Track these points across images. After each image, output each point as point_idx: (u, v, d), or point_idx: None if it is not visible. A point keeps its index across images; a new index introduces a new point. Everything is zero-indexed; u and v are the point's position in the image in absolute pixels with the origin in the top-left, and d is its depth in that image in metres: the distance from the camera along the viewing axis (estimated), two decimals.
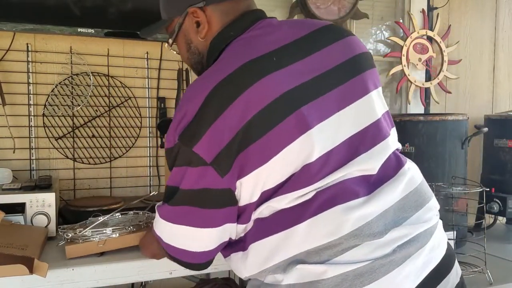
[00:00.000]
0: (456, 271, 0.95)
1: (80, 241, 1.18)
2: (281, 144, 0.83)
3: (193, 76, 2.01)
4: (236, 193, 0.87)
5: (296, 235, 0.85)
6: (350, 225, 0.84)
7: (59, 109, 1.81)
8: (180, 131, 0.85)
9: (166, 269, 1.23)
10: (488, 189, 2.06)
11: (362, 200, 0.86)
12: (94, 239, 1.17)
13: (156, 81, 1.97)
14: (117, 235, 1.19)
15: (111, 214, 1.33)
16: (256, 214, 0.89)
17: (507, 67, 2.74)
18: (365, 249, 0.84)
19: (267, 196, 0.87)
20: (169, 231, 0.93)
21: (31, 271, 1.02)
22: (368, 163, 0.89)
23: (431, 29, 2.47)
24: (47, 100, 1.79)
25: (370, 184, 0.88)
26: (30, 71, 1.77)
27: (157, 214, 0.96)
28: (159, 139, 1.97)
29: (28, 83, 1.77)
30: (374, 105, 0.93)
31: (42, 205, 1.41)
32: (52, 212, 1.42)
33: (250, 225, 0.91)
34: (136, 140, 1.94)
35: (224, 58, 0.91)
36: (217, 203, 0.87)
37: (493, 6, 2.68)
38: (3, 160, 1.72)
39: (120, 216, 1.36)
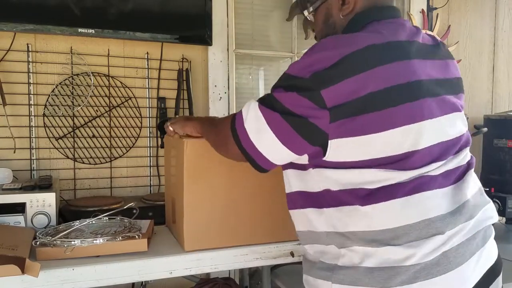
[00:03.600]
0: (500, 278, 1.03)
1: (51, 246, 1.19)
2: (402, 121, 0.89)
3: (193, 76, 2.02)
4: (335, 143, 0.90)
5: (394, 209, 0.90)
6: (445, 209, 0.92)
7: (59, 109, 1.82)
8: (315, 71, 0.88)
9: (166, 269, 1.24)
10: (488, 189, 2.06)
11: (447, 190, 0.95)
12: (62, 246, 1.18)
13: (156, 81, 1.97)
14: (85, 244, 1.20)
15: (89, 221, 1.35)
16: (362, 183, 0.92)
17: (507, 67, 2.74)
18: (443, 238, 0.91)
19: (374, 164, 0.91)
20: (256, 125, 0.96)
21: (23, 271, 1.02)
22: (451, 164, 0.98)
23: (431, 29, 2.47)
24: (47, 100, 1.80)
25: (450, 180, 0.98)
26: (31, 71, 1.77)
27: (254, 107, 0.97)
28: (159, 139, 1.97)
29: (29, 83, 1.77)
30: (462, 121, 1.05)
31: (43, 205, 1.42)
32: (53, 212, 1.43)
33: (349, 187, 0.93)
34: (136, 140, 1.94)
35: (374, 30, 0.96)
36: (312, 139, 0.92)
37: (493, 6, 2.69)
38: (4, 160, 1.73)
39: (106, 221, 1.38)
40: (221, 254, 1.29)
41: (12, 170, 1.62)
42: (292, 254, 1.37)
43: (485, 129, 2.17)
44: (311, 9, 1.13)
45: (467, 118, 2.15)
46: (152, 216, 1.59)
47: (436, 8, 2.48)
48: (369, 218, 0.91)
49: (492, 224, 1.05)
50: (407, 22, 1.04)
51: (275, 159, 0.98)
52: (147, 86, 1.96)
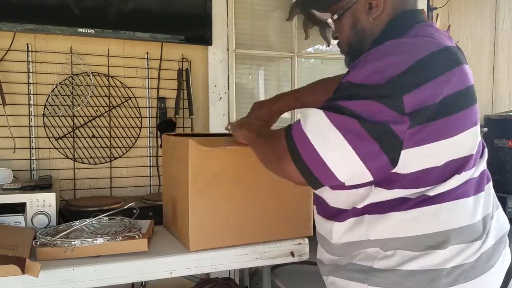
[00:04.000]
0: None
1: (51, 246, 1.19)
2: (468, 125, 0.91)
3: (193, 76, 2.01)
4: (407, 153, 0.86)
5: (444, 212, 0.91)
6: (481, 213, 0.95)
7: (59, 109, 1.82)
8: (391, 76, 0.84)
9: (166, 269, 1.24)
10: None
11: (481, 195, 0.97)
12: (62, 246, 1.18)
13: (156, 81, 1.97)
14: (86, 244, 1.20)
15: (89, 221, 1.35)
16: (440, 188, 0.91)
17: (507, 67, 2.74)
18: (481, 242, 0.93)
19: (438, 172, 0.90)
20: (323, 135, 0.86)
21: (23, 271, 1.02)
22: (479, 170, 0.99)
23: None
24: (47, 100, 1.80)
25: (482, 185, 1.00)
26: (31, 71, 1.77)
27: (316, 114, 0.88)
28: (159, 139, 1.97)
29: (29, 83, 1.77)
30: None
31: (43, 205, 1.41)
32: (53, 212, 1.43)
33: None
34: (136, 140, 1.94)
35: (426, 35, 0.94)
36: (387, 148, 0.85)
37: (493, 6, 2.68)
38: (4, 160, 1.73)
39: (106, 220, 1.38)
40: (221, 254, 1.29)
41: (12, 170, 1.62)
42: (292, 254, 1.36)
43: (485, 129, 2.16)
44: (335, 16, 1.07)
45: None
46: (152, 216, 1.58)
47: (436, 8, 2.48)
48: (418, 222, 0.90)
49: None
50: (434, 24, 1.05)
51: (342, 171, 0.87)
52: (147, 86, 1.95)
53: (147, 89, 1.95)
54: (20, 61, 1.76)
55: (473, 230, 0.92)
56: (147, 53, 1.95)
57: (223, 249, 1.30)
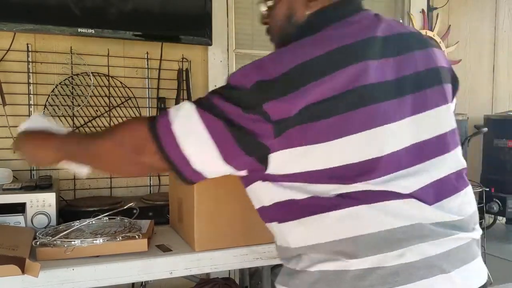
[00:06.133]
0: None
1: (51, 246, 1.19)
2: (347, 131, 0.83)
3: (193, 76, 2.01)
4: (273, 156, 0.85)
5: (356, 216, 0.84)
6: (418, 218, 0.85)
7: (59, 109, 1.81)
8: (255, 82, 0.84)
9: (166, 269, 1.24)
10: (488, 189, 2.06)
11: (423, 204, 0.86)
12: (62, 246, 1.19)
13: (156, 81, 1.97)
14: (85, 244, 1.20)
15: (89, 221, 1.35)
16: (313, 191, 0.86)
17: (507, 67, 2.74)
18: (404, 250, 0.84)
19: (331, 175, 0.84)
20: (189, 128, 0.86)
21: (23, 271, 1.03)
22: (434, 173, 0.89)
23: (431, 29, 2.47)
24: (47, 100, 1.80)
25: (429, 195, 0.89)
26: (31, 71, 1.77)
27: (187, 107, 0.87)
28: None
29: (29, 83, 1.77)
30: (441, 119, 0.94)
31: (43, 205, 1.42)
32: (53, 212, 1.43)
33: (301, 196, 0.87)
34: None
35: (322, 37, 0.88)
36: (250, 150, 0.85)
37: (493, 7, 2.69)
38: (3, 160, 1.73)
39: (106, 221, 1.38)
40: (221, 254, 1.29)
41: (12, 170, 1.62)
42: None
43: (485, 129, 2.17)
44: (270, 3, 1.00)
45: (467, 118, 2.16)
46: (152, 216, 1.58)
47: (436, 8, 2.48)
48: (334, 227, 0.85)
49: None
50: (368, 14, 0.94)
51: (205, 170, 0.89)
52: (147, 86, 1.95)
53: (147, 89, 1.95)
54: (20, 61, 1.76)
55: (391, 237, 0.83)
56: (147, 53, 1.95)
57: (223, 249, 1.30)
